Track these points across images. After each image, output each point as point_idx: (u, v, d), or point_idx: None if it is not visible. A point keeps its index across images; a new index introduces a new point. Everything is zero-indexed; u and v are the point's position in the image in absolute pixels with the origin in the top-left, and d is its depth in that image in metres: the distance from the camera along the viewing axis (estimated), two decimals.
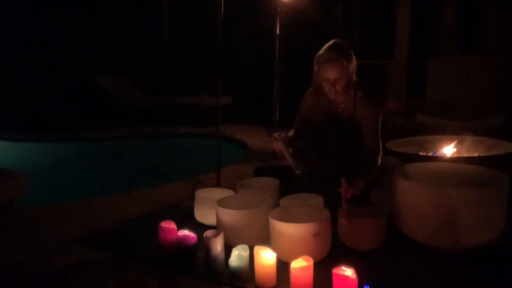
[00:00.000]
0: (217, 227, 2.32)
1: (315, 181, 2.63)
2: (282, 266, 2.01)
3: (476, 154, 3.36)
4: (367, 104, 2.63)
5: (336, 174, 2.41)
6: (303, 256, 1.86)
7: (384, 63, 6.17)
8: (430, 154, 3.42)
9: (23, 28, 6.87)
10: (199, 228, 2.43)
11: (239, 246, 2.02)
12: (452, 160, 3.18)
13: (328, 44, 2.61)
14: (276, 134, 2.63)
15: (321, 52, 2.60)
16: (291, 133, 2.75)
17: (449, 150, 3.40)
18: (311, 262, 1.85)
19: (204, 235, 2.09)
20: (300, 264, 1.84)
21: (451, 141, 3.47)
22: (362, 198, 2.56)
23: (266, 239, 2.19)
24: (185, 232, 2.18)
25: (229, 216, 2.30)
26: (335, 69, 2.53)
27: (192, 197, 2.74)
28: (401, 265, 2.13)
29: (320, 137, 2.60)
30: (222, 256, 2.09)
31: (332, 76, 2.55)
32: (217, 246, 2.07)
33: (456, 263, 2.12)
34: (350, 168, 2.46)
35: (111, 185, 4.33)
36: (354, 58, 2.61)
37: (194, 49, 7.24)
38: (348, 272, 1.74)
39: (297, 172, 2.55)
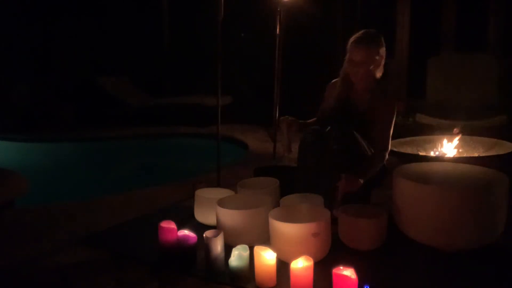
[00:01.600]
0: (217, 227, 2.32)
1: (315, 180, 2.63)
2: (282, 266, 2.01)
3: (476, 154, 3.36)
4: (386, 100, 2.69)
5: (335, 172, 2.43)
6: (303, 256, 1.86)
7: (384, 63, 6.16)
8: (430, 154, 3.42)
9: (23, 28, 6.87)
10: (199, 228, 2.43)
11: (239, 246, 2.02)
12: (452, 160, 3.18)
13: (363, 30, 2.69)
14: (283, 117, 2.73)
15: (354, 35, 2.68)
16: (311, 121, 2.85)
17: (449, 150, 3.40)
18: (311, 262, 1.85)
19: (204, 235, 2.09)
20: (300, 264, 1.84)
21: (451, 141, 3.47)
22: (363, 197, 2.56)
23: (266, 239, 2.18)
24: (185, 232, 2.18)
25: (229, 216, 2.30)
26: (362, 51, 2.60)
27: (192, 197, 2.75)
28: (401, 265, 2.13)
29: (324, 133, 2.61)
30: (222, 256, 2.09)
31: (357, 58, 2.61)
32: (217, 246, 2.06)
33: (456, 263, 2.12)
34: (352, 165, 2.47)
35: (111, 185, 4.33)
36: (383, 49, 2.67)
37: (194, 49, 7.24)
38: (348, 272, 1.74)
39: (287, 154, 2.61)
